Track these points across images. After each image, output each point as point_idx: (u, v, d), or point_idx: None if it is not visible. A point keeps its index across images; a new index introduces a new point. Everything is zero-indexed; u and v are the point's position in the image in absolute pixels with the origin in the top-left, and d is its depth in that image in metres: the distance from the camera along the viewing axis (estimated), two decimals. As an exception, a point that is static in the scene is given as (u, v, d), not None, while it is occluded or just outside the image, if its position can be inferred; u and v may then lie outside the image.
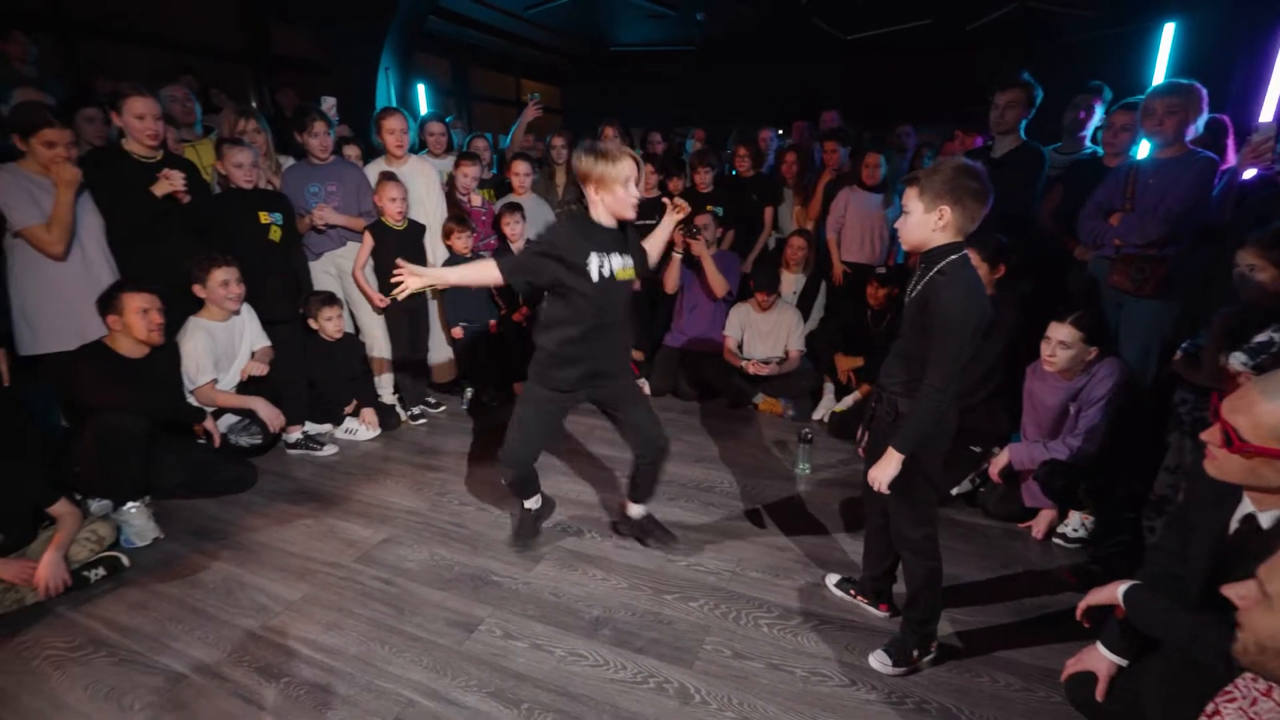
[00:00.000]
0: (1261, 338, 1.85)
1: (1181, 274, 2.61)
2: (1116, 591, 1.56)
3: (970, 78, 3.13)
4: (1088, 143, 3.40)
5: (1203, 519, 1.51)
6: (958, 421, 1.78)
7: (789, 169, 4.52)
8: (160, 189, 2.77)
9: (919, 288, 1.69)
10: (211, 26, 6.24)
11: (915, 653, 1.89)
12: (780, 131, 7.10)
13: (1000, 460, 2.59)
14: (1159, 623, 1.48)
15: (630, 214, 2.11)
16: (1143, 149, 3.28)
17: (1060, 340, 2.39)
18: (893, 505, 1.85)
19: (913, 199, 1.67)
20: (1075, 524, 2.53)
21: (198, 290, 2.94)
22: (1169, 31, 5.12)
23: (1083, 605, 1.67)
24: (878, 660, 1.91)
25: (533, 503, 2.54)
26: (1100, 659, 1.61)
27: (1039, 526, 2.59)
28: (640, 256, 2.33)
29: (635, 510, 2.52)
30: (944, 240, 1.66)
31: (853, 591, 2.21)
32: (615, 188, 2.05)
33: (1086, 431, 2.40)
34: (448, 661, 1.94)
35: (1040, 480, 2.48)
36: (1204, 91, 2.52)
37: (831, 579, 2.29)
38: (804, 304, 4.37)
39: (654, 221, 4.27)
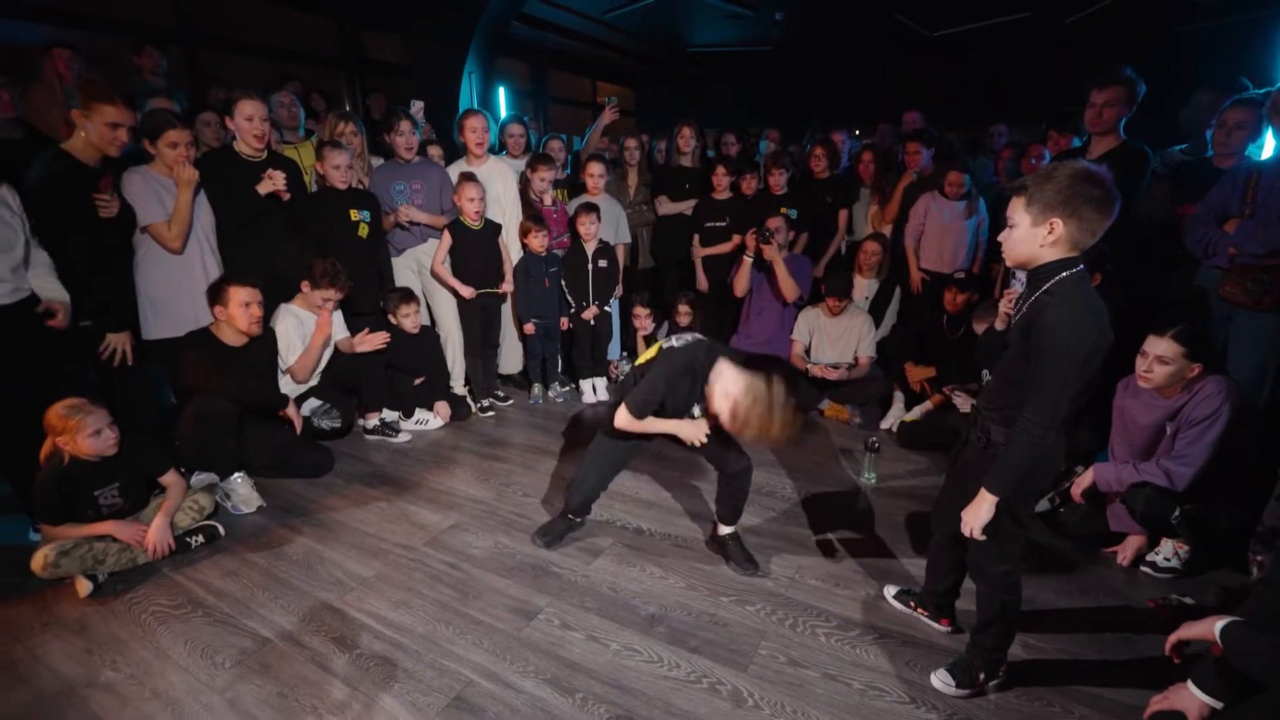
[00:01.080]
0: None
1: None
2: (1214, 627, 1.45)
3: (1066, 75, 2.94)
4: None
5: (1317, 556, 1.38)
6: (1060, 457, 1.64)
7: (866, 169, 4.40)
8: (264, 188, 3.01)
9: (1024, 308, 1.54)
10: (311, 35, 6.67)
11: (981, 676, 1.81)
12: (857, 132, 6.92)
13: (1084, 480, 2.43)
14: (1262, 665, 1.37)
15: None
16: (1267, 148, 3.01)
17: (1158, 355, 2.22)
18: (974, 540, 1.71)
19: (1019, 210, 1.51)
20: (1167, 552, 2.35)
21: (305, 286, 3.17)
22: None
23: (1173, 639, 1.56)
24: (940, 680, 1.84)
25: (578, 517, 2.61)
26: (1191, 699, 1.49)
27: (1126, 553, 2.42)
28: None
29: (722, 529, 2.47)
30: (1054, 256, 1.49)
31: (913, 604, 2.14)
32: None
33: (1185, 454, 2.22)
34: (507, 646, 2.01)
35: (1129, 503, 2.32)
36: None
37: (890, 590, 2.23)
38: (877, 310, 4.25)
39: (724, 223, 4.29)
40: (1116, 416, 2.52)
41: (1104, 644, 2.02)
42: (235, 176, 3.01)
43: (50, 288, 2.48)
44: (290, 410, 3.02)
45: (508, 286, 3.82)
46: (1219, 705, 1.47)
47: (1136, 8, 6.80)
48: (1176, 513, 2.23)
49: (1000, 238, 1.61)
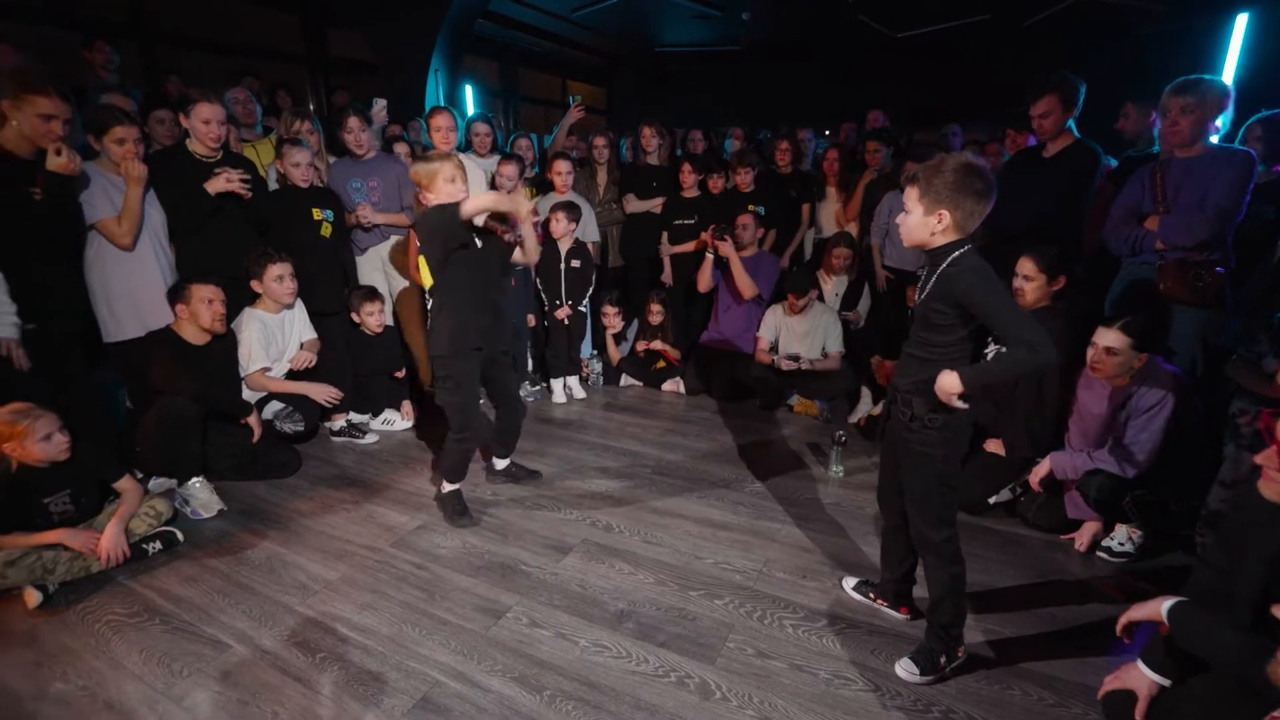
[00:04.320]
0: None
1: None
2: (1161, 607, 1.50)
3: (1023, 76, 3.02)
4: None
5: (1257, 539, 1.44)
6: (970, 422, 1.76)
7: (831, 167, 4.46)
8: (215, 186, 2.92)
9: (930, 286, 1.68)
10: (274, 32, 6.53)
11: (943, 659, 1.85)
12: (827, 133, 7.01)
13: (1042, 469, 2.50)
14: (1206, 642, 1.42)
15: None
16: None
17: (1107, 346, 2.30)
18: (913, 507, 1.82)
19: (913, 199, 1.66)
20: (1121, 537, 2.43)
21: (254, 285, 3.09)
22: (1241, 23, 4.85)
23: (1124, 619, 1.62)
24: (904, 669, 1.87)
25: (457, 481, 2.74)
26: (1141, 678, 1.55)
27: (1082, 539, 2.50)
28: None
29: (500, 463, 2.92)
30: (945, 240, 1.65)
31: (872, 594, 2.18)
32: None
33: (1135, 441, 2.30)
34: (475, 646, 1.99)
35: (1084, 490, 2.39)
36: (1225, 89, 2.46)
37: (849, 582, 2.26)
38: (847, 307, 4.30)
39: (693, 221, 4.31)
40: (1073, 407, 2.59)
41: (1061, 625, 2.08)
42: (188, 176, 2.93)
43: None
44: (252, 419, 2.95)
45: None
46: (1167, 683, 1.52)
47: (1093, 11, 7.01)
48: (1128, 498, 2.30)
49: (897, 220, 1.77)
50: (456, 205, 2.31)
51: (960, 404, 1.64)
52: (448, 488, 2.72)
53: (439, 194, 2.37)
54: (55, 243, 2.63)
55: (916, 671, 1.84)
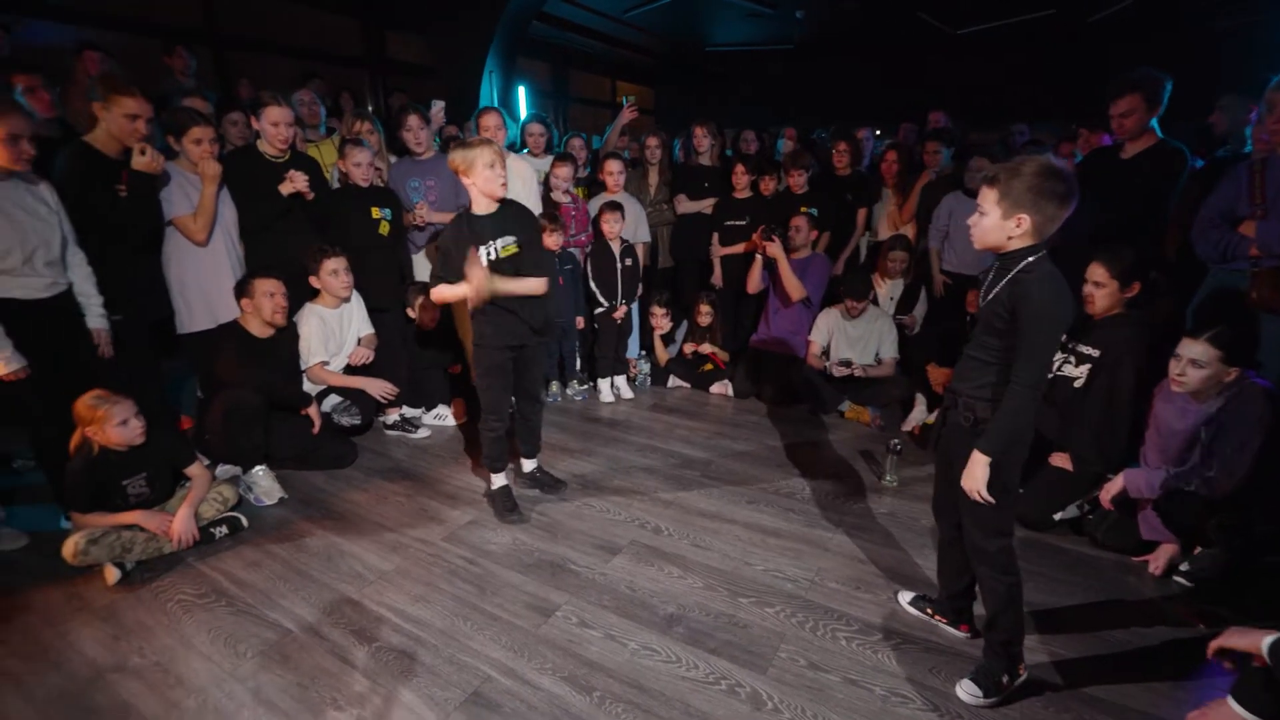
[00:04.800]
0: None
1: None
2: (1261, 641, 1.40)
3: (1093, 72, 2.88)
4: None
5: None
6: (1032, 424, 1.69)
7: (889, 168, 4.34)
8: (286, 189, 3.04)
9: (998, 289, 1.63)
10: (335, 36, 6.76)
11: (1005, 678, 1.77)
12: (878, 132, 6.84)
13: (1114, 486, 2.38)
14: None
15: (500, 193, 2.45)
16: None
17: (1192, 358, 2.16)
18: (967, 517, 1.76)
19: (990, 201, 1.61)
20: (1203, 561, 2.28)
21: (312, 281, 3.19)
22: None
23: (1216, 644, 1.51)
24: (966, 692, 1.79)
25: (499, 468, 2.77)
26: (1231, 716, 1.45)
27: (1158, 561, 2.36)
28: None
29: (527, 464, 2.94)
30: (1021, 245, 1.60)
31: (929, 610, 2.11)
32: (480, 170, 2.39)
33: (1222, 460, 2.16)
34: (525, 643, 2.01)
35: (1162, 511, 2.26)
36: None
37: (905, 595, 2.19)
38: (903, 311, 4.18)
39: (744, 222, 4.27)
40: (1150, 422, 2.45)
41: (1134, 652, 1.97)
42: (259, 175, 3.05)
43: (90, 301, 2.55)
44: (312, 410, 3.05)
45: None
46: (1260, 722, 1.42)
47: (1162, 5, 6.65)
48: (1213, 521, 2.17)
49: (970, 221, 1.69)
50: (433, 283, 2.54)
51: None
52: (495, 483, 2.76)
53: (478, 179, 2.41)
54: (139, 238, 2.77)
55: (980, 693, 1.77)
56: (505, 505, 2.71)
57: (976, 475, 1.66)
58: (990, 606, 1.78)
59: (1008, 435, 1.63)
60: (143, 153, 2.62)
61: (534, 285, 2.49)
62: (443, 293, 2.48)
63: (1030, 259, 1.58)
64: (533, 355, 2.72)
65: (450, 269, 2.46)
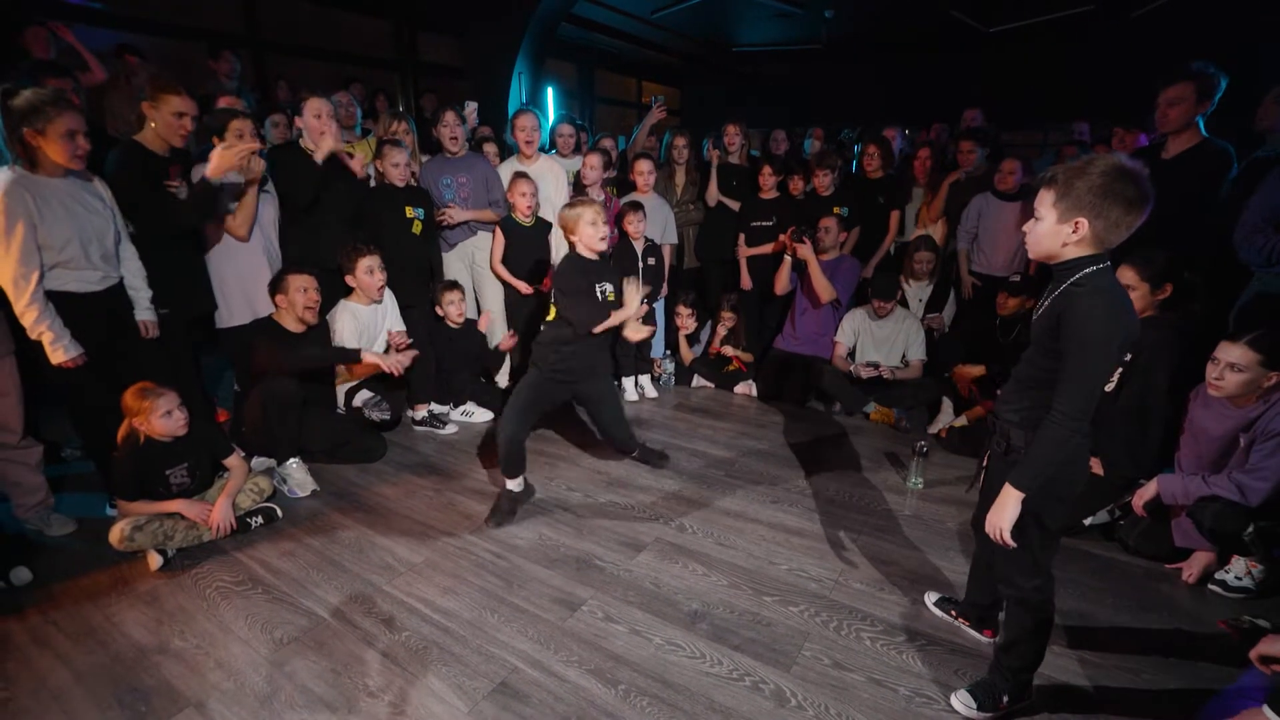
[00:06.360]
0: None
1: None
2: None
3: (1131, 71, 2.81)
4: None
5: None
6: (1087, 461, 1.56)
7: (921, 167, 4.29)
8: (324, 146, 3.09)
9: (1048, 303, 1.48)
10: (368, 38, 6.89)
11: (1005, 699, 1.71)
12: (906, 131, 6.77)
13: (1148, 492, 2.33)
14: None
15: (601, 247, 2.66)
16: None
17: (1231, 362, 2.12)
18: (997, 550, 1.60)
19: (1046, 204, 1.44)
20: (1239, 571, 2.23)
21: (347, 279, 3.26)
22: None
23: (1258, 651, 1.49)
24: (960, 701, 1.75)
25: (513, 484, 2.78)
26: (1266, 725, 1.42)
27: (1192, 569, 2.31)
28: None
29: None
30: (1078, 254, 1.42)
31: (953, 612, 2.09)
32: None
33: (1260, 467, 2.11)
34: (551, 636, 2.04)
35: (1198, 518, 2.21)
36: None
37: (930, 596, 2.18)
38: (931, 312, 4.14)
39: (770, 223, 4.26)
40: (1187, 427, 2.41)
41: (1166, 666, 1.93)
42: (300, 167, 3.14)
43: (139, 295, 2.66)
44: (371, 356, 3.00)
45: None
46: (1297, 732, 1.40)
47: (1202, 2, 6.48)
48: (1250, 529, 2.12)
49: (1024, 228, 1.53)
50: (578, 324, 2.65)
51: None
52: (507, 484, 2.76)
53: (582, 235, 2.62)
54: (188, 234, 2.88)
55: (974, 705, 1.72)
56: (501, 508, 2.72)
57: (1004, 513, 1.51)
58: (1010, 633, 1.69)
59: (1043, 468, 1.46)
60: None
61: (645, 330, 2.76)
62: (605, 323, 2.63)
63: (1087, 270, 1.40)
64: (594, 392, 2.89)
65: (580, 303, 2.62)
